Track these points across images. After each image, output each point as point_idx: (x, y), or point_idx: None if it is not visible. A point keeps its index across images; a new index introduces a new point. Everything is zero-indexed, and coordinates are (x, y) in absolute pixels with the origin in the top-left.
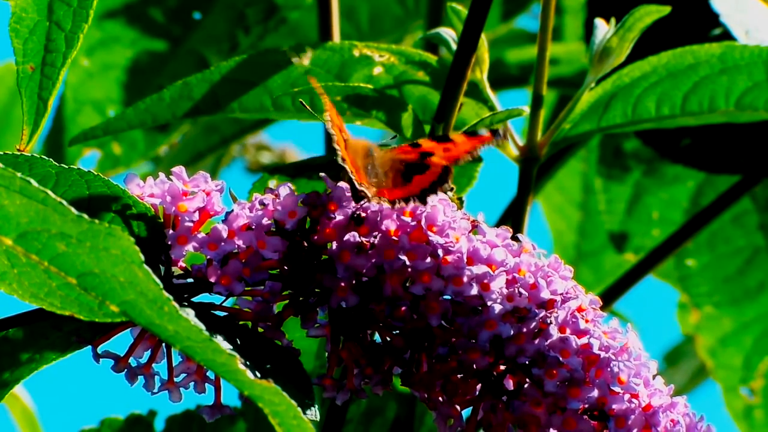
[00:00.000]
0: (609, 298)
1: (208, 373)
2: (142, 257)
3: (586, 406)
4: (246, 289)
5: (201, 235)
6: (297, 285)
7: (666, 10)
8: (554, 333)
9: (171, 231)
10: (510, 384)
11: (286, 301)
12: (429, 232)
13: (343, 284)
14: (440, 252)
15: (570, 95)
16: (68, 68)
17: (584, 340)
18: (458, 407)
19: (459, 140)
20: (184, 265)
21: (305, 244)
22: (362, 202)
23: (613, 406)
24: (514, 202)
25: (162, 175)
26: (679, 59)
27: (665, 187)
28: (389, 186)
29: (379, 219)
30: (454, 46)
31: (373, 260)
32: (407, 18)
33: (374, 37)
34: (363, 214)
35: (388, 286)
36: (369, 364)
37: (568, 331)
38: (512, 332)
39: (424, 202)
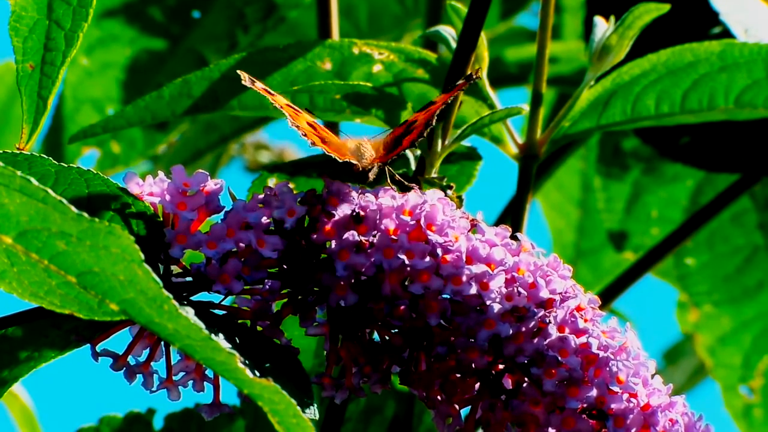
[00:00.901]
0: (608, 296)
1: (206, 372)
2: (142, 256)
3: (585, 405)
4: (245, 287)
5: (200, 233)
6: (296, 283)
7: (665, 8)
8: (553, 332)
9: (170, 230)
10: (509, 383)
11: (285, 300)
12: (428, 231)
13: (342, 283)
14: (439, 251)
15: (569, 93)
16: (67, 67)
17: (583, 339)
18: (457, 406)
19: (438, 98)
20: (183, 263)
21: (304, 242)
22: (360, 199)
23: (612, 406)
24: (513, 200)
25: (161, 174)
26: (678, 57)
27: (664, 185)
28: (381, 154)
29: (378, 218)
30: (453, 44)
31: (372, 259)
32: (406, 16)
33: (373, 35)
34: (362, 213)
35: (387, 285)
36: (368, 362)
37: (566, 330)
38: (511, 331)
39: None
